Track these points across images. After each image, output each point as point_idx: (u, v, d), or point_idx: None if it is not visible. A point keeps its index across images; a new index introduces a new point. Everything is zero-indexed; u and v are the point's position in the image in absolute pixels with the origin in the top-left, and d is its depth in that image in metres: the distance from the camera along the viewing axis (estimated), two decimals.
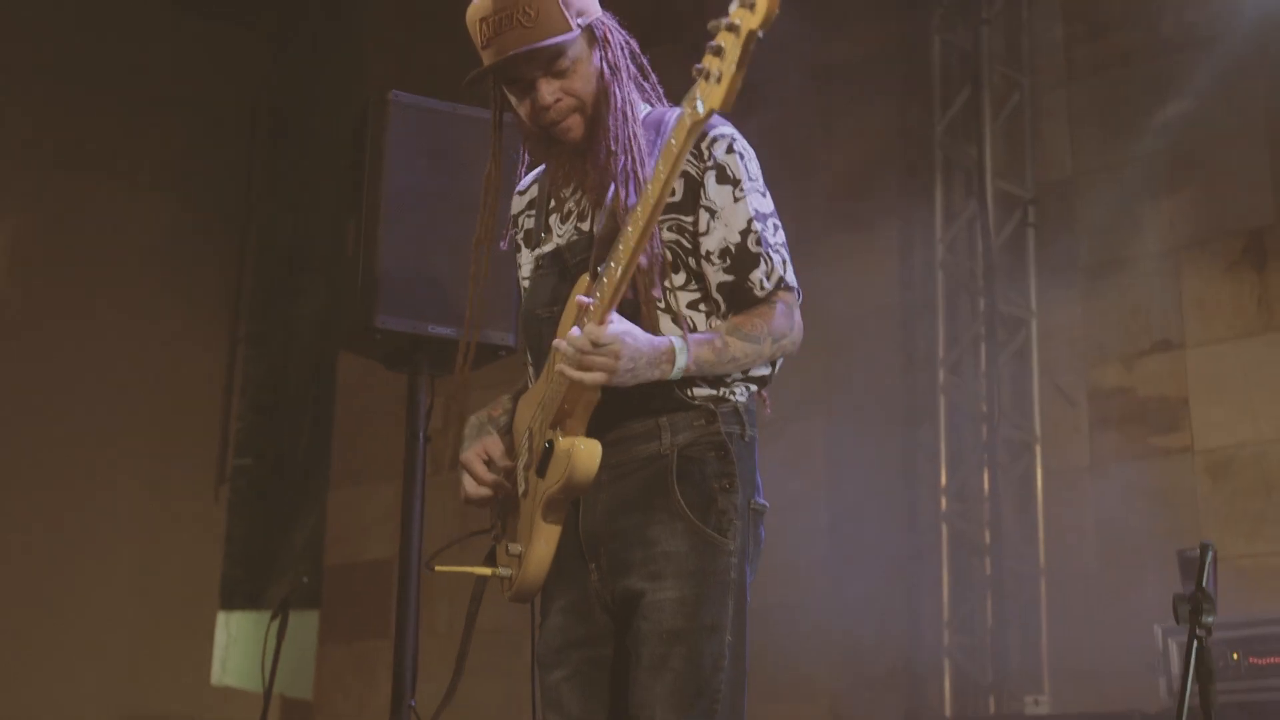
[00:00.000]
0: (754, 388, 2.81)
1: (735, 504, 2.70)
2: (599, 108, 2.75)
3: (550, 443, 2.70)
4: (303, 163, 10.05)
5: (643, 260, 2.60)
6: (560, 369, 2.58)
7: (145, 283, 9.45)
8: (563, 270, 2.85)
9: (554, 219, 2.92)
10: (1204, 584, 3.02)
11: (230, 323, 10.38)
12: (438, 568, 2.94)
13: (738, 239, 2.73)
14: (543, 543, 2.76)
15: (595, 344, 2.53)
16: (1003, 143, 7.37)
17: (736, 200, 2.74)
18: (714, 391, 2.74)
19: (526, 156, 3.02)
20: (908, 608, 7.18)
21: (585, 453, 2.64)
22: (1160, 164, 6.79)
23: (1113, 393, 6.88)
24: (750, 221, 2.74)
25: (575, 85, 2.74)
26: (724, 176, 2.75)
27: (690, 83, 2.44)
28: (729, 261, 2.73)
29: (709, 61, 2.36)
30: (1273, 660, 4.71)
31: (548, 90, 2.72)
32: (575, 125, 2.76)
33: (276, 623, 5.11)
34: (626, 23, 2.88)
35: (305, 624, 9.67)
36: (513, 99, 2.81)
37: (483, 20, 2.73)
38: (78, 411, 9.01)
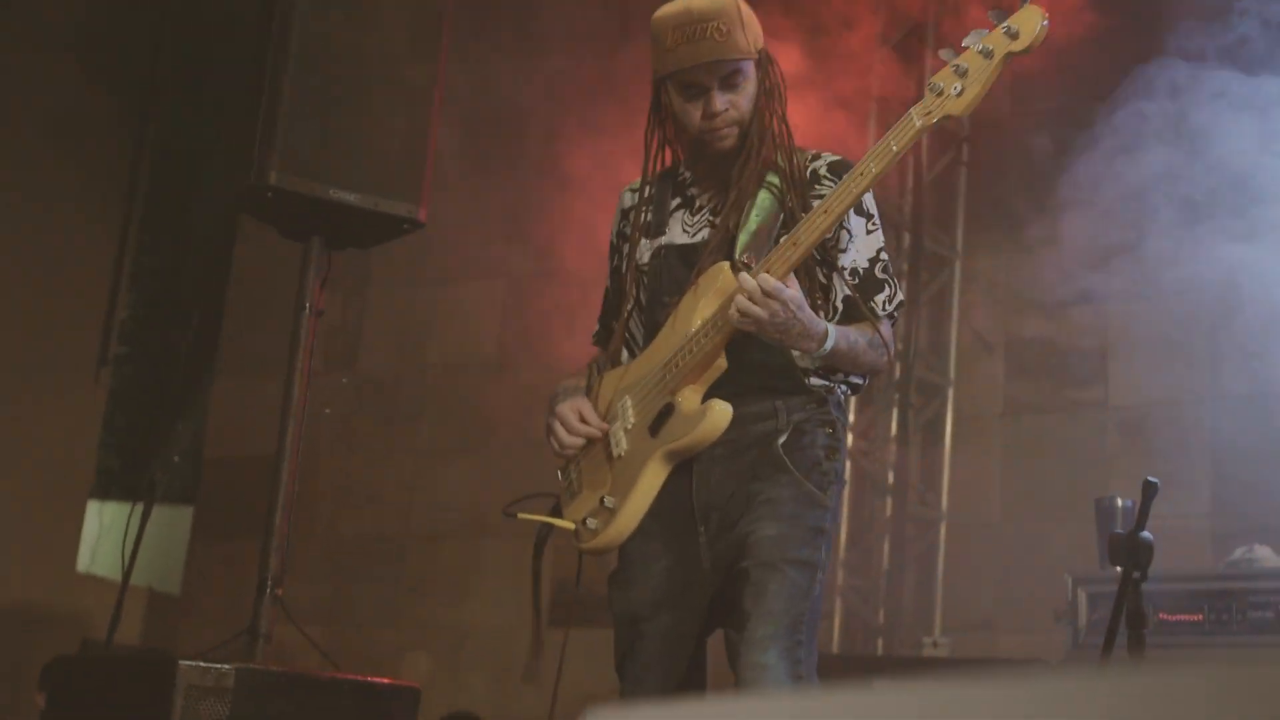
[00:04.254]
0: (849, 388, 3.15)
1: (836, 470, 3.05)
2: (753, 125, 3.08)
3: (669, 404, 2.99)
4: (214, 41, 9.58)
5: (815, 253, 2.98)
6: (738, 300, 2.81)
7: (40, 152, 8.96)
8: (693, 263, 3.11)
9: (681, 214, 3.21)
10: (1144, 524, 2.82)
11: (125, 203, 9.91)
12: (520, 515, 3.20)
13: (866, 265, 3.11)
14: (642, 496, 3.01)
15: (771, 294, 2.78)
16: None
17: (869, 232, 3.12)
18: (825, 382, 3.08)
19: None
20: None
21: (720, 412, 2.93)
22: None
23: (1031, 341, 6.72)
24: (879, 252, 3.13)
25: (741, 101, 3.07)
26: (860, 209, 3.10)
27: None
28: (857, 281, 3.09)
29: (945, 79, 2.75)
30: (1180, 617, 4.58)
31: (720, 100, 3.05)
32: (731, 136, 3.08)
33: (140, 508, 4.82)
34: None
35: (181, 519, 9.36)
36: (679, 103, 3.09)
37: (675, 27, 3.03)
38: None
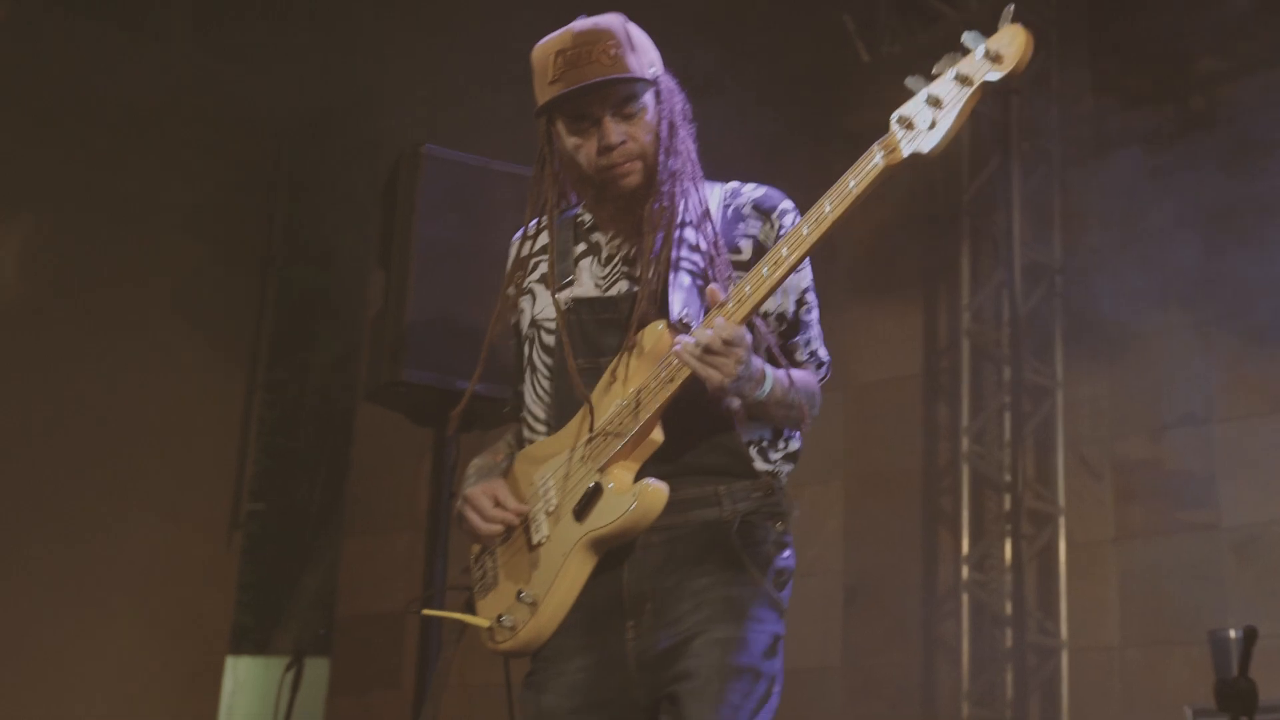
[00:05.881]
0: (791, 467, 2.80)
1: (789, 568, 2.73)
2: (658, 159, 2.71)
3: (597, 484, 2.63)
4: (324, 212, 10.06)
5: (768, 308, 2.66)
6: (679, 352, 2.51)
7: (165, 326, 9.42)
8: (609, 321, 2.75)
9: (589, 263, 2.81)
10: (1247, 670, 2.95)
11: (248, 368, 10.36)
12: (425, 612, 2.95)
13: (793, 307, 2.79)
14: (566, 589, 2.66)
15: (728, 342, 2.49)
16: (1031, 211, 7.33)
17: (798, 271, 2.74)
18: (769, 467, 2.73)
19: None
20: (925, 679, 7.09)
21: (655, 492, 2.58)
22: (1191, 236, 6.73)
23: (1138, 465, 6.81)
24: (805, 293, 2.82)
25: (639, 132, 2.70)
26: None
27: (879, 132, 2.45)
28: (783, 326, 2.79)
29: (914, 110, 2.40)
30: None
31: (615, 130, 2.68)
32: (635, 171, 2.71)
33: (291, 673, 5.05)
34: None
35: (315, 672, 9.58)
36: (570, 141, 2.73)
37: (559, 54, 2.68)
38: (93, 451, 8.95)
